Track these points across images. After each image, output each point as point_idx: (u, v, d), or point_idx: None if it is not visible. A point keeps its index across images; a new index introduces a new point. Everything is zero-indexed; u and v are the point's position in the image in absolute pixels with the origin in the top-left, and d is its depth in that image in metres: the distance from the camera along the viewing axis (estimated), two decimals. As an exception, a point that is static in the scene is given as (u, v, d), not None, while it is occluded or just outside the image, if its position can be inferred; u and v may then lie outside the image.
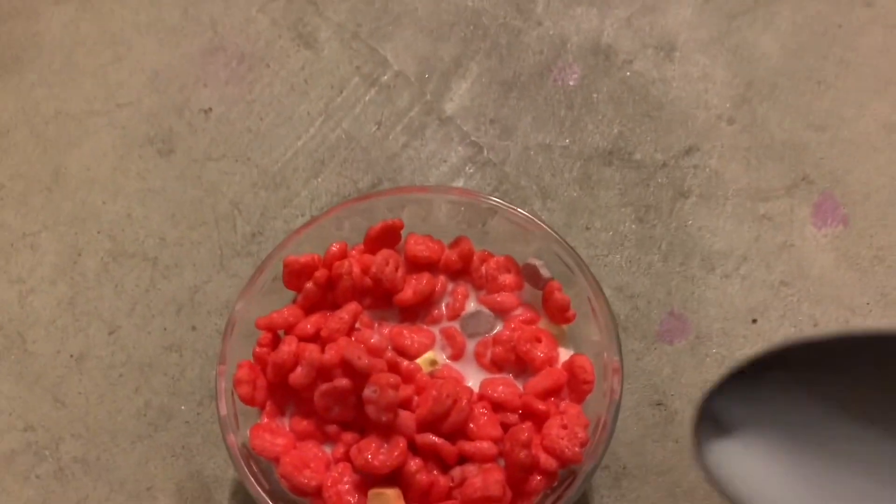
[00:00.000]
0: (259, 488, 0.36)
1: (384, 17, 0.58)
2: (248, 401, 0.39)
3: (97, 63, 0.58)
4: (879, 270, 0.49)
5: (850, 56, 0.56)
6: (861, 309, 0.48)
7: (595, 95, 0.55)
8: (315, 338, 0.41)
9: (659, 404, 0.46)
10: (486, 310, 0.42)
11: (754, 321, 0.48)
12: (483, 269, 0.42)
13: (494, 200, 0.43)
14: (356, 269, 0.41)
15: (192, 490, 0.44)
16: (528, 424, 0.36)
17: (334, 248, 0.41)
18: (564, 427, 0.36)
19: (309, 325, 0.40)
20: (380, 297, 0.42)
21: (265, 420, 0.39)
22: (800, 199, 0.51)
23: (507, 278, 0.42)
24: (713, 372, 0.46)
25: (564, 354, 0.41)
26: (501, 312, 0.42)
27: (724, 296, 0.48)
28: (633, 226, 0.50)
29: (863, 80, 0.55)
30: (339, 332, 0.40)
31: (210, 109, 0.55)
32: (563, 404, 0.38)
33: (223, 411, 0.38)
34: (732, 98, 0.55)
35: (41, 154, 0.54)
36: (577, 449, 0.36)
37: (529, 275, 0.42)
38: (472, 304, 0.42)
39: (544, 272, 0.42)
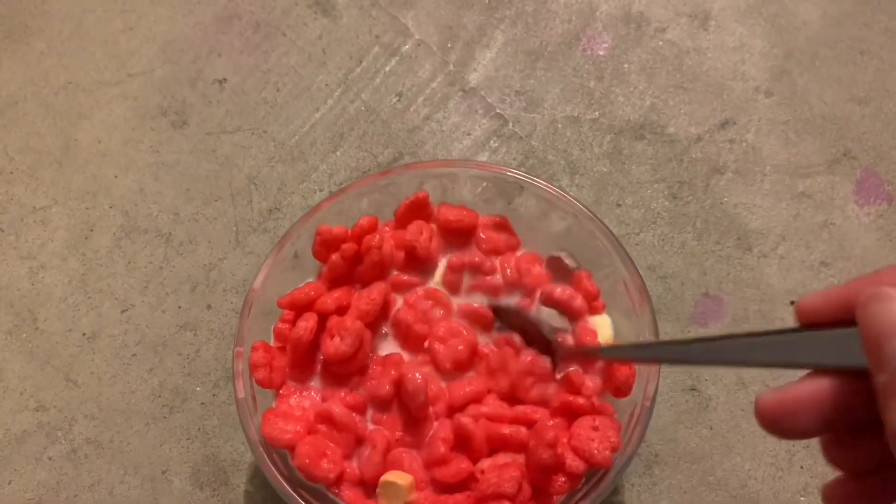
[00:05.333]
0: (277, 475, 0.34)
1: (405, -17, 0.56)
2: (266, 384, 0.37)
3: (107, 32, 0.56)
4: (925, 251, 0.47)
5: (896, 25, 0.53)
6: (906, 291, 0.46)
7: (626, 66, 0.53)
8: (337, 314, 0.39)
9: (692, 389, 0.44)
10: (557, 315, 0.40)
11: (792, 303, 0.46)
12: (512, 263, 0.40)
13: (521, 175, 0.41)
14: (387, 245, 0.39)
15: (208, 473, 0.43)
16: (556, 421, 0.35)
17: (363, 221, 0.40)
18: (596, 429, 0.34)
19: (330, 300, 0.39)
20: (411, 269, 0.40)
21: (279, 404, 0.37)
22: (841, 175, 0.49)
23: (536, 270, 0.40)
24: (750, 356, 0.44)
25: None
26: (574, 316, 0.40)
27: (761, 276, 0.46)
28: (666, 203, 0.48)
29: (909, 51, 0.52)
30: (369, 315, 0.38)
31: (224, 80, 0.53)
32: (597, 401, 0.36)
33: (240, 394, 0.37)
34: (770, 69, 0.52)
35: (51, 126, 0.52)
36: (607, 453, 0.34)
37: (555, 267, 0.40)
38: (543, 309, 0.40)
39: (570, 263, 0.40)
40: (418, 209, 0.41)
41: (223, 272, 0.48)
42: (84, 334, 0.46)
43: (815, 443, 0.41)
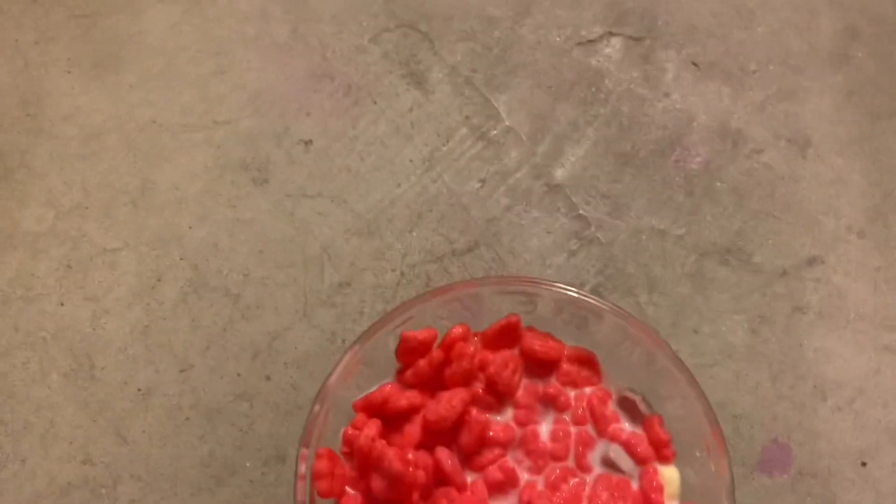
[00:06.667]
0: None
1: (501, 65, 0.55)
2: (326, 494, 0.36)
3: (198, 73, 0.55)
4: None
5: None
6: (983, 469, 0.44)
7: (718, 184, 0.51)
8: (409, 413, 0.39)
9: (751, 542, 0.42)
10: (626, 456, 0.39)
11: (864, 464, 0.44)
12: (584, 402, 0.39)
13: (609, 304, 0.40)
14: (478, 356, 0.38)
15: (248, 556, 0.42)
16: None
17: (456, 332, 0.39)
18: None
19: (404, 399, 0.38)
20: (489, 395, 0.39)
21: (341, 516, 0.37)
22: (928, 333, 0.47)
23: (607, 411, 0.39)
24: (814, 515, 0.43)
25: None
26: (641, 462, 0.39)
27: (833, 430, 0.45)
28: (745, 337, 0.47)
29: None
30: (447, 420, 0.37)
31: (311, 141, 0.53)
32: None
33: (300, 497, 0.36)
34: (866, 209, 0.51)
35: (131, 165, 0.52)
36: None
37: (626, 407, 0.39)
38: (610, 447, 0.39)
39: (643, 408, 0.39)
40: (508, 332, 0.40)
41: (287, 343, 0.47)
42: (139, 389, 0.46)
43: None
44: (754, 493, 0.43)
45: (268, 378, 0.46)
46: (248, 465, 0.44)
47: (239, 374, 0.46)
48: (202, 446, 0.45)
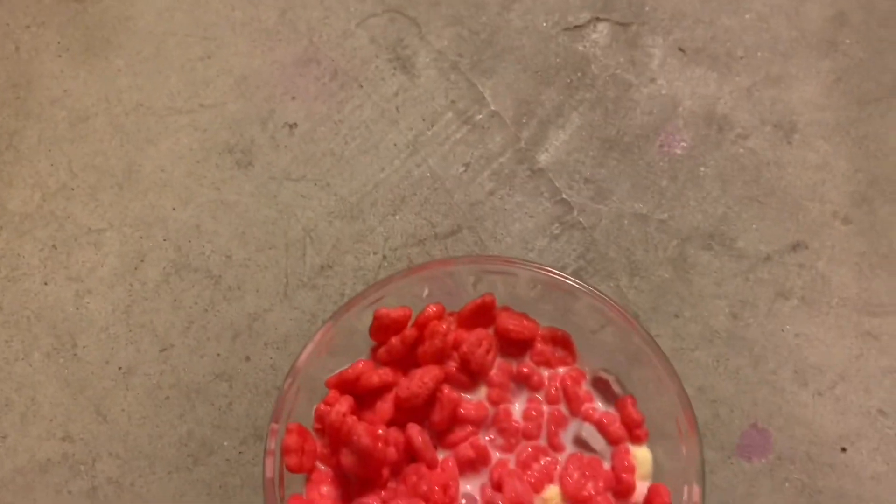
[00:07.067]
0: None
1: (488, 49, 0.55)
2: (296, 469, 0.36)
3: (186, 57, 0.55)
4: None
5: None
6: (964, 455, 0.44)
7: (702, 169, 0.51)
8: (381, 390, 0.39)
9: (727, 526, 0.42)
10: (599, 436, 0.39)
11: (844, 450, 0.44)
12: (557, 381, 0.39)
13: (582, 285, 0.40)
14: (451, 335, 0.38)
15: (224, 534, 0.42)
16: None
17: (430, 310, 0.39)
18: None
19: (376, 376, 0.38)
20: (462, 373, 0.39)
21: (309, 491, 0.37)
22: (912, 319, 0.47)
23: (581, 391, 0.39)
24: (791, 500, 0.43)
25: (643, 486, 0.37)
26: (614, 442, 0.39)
27: (813, 416, 0.45)
28: (726, 322, 0.47)
29: None
30: (418, 397, 0.37)
31: (295, 125, 0.53)
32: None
33: (269, 473, 0.36)
34: (851, 195, 0.50)
35: (117, 147, 0.52)
36: None
37: (600, 388, 0.39)
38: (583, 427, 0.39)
39: (616, 388, 0.39)
40: (483, 312, 0.40)
41: (267, 325, 0.47)
42: (120, 368, 0.46)
43: None
44: (732, 477, 0.43)
45: (247, 359, 0.46)
46: (225, 444, 0.44)
47: (219, 355, 0.47)
48: (181, 425, 0.45)
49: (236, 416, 0.45)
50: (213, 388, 0.46)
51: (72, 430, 0.45)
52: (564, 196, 0.51)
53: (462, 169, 0.52)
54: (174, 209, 0.51)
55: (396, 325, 0.39)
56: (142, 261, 0.49)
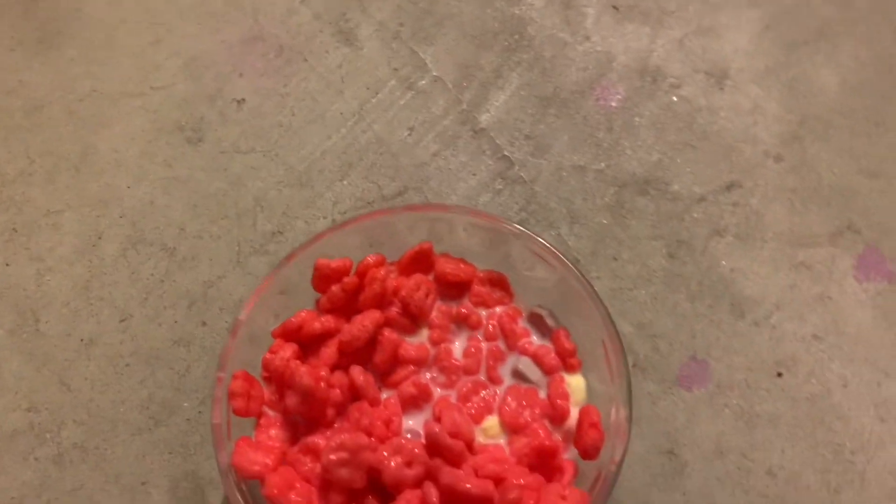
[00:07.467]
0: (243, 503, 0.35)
1: (427, 18, 0.57)
2: (242, 413, 0.38)
3: (136, 43, 0.57)
4: (921, 334, 0.46)
5: (915, 100, 0.52)
6: (896, 373, 0.45)
7: (637, 119, 0.53)
8: (324, 337, 0.40)
9: (670, 453, 0.44)
10: (535, 367, 0.40)
11: (779, 375, 0.45)
12: (494, 319, 0.41)
13: (517, 228, 0.42)
14: (391, 281, 0.40)
15: (187, 490, 0.44)
16: (525, 481, 0.35)
17: (370, 259, 0.40)
18: (564, 498, 0.35)
19: (318, 323, 0.40)
20: (404, 317, 0.41)
21: (258, 434, 0.38)
22: (843, 248, 0.48)
23: (517, 328, 0.41)
24: (730, 424, 0.44)
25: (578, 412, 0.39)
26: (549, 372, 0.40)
27: (750, 345, 0.46)
28: (663, 261, 0.48)
29: (925, 127, 0.52)
30: (359, 339, 0.39)
31: (243, 100, 0.55)
32: (566, 460, 0.37)
33: (216, 419, 0.38)
34: (782, 134, 0.52)
35: (72, 133, 0.54)
36: None
37: (536, 323, 0.41)
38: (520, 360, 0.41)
39: (550, 322, 0.40)
40: (421, 259, 0.41)
41: (221, 291, 0.49)
42: (82, 340, 0.48)
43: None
44: (674, 407, 0.45)
45: (203, 324, 0.48)
46: (185, 405, 0.46)
47: (176, 322, 0.48)
48: (142, 390, 0.46)
49: (194, 378, 0.47)
50: (171, 353, 0.47)
51: (36, 401, 0.46)
52: (506, 153, 0.52)
53: (407, 133, 0.53)
54: (129, 187, 0.52)
55: (337, 275, 0.41)
56: (99, 238, 0.51)
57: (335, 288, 0.40)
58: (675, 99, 0.53)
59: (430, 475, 0.36)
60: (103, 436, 0.45)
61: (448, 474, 0.35)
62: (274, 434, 0.39)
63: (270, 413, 0.39)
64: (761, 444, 0.44)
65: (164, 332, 0.48)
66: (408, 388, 0.40)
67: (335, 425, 0.39)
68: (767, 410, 0.44)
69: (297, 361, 0.38)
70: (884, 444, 0.43)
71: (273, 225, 0.51)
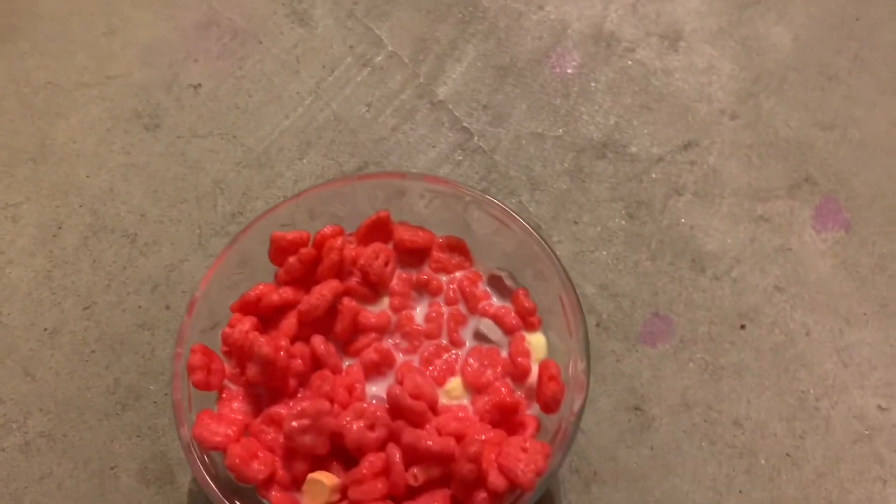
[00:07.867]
0: (206, 475, 0.35)
1: (382, -5, 0.57)
2: (202, 386, 0.38)
3: (90, 34, 0.57)
4: (880, 280, 0.47)
5: (866, 53, 0.53)
6: (857, 319, 0.46)
7: (593, 84, 0.53)
8: (284, 309, 0.40)
9: (636, 409, 0.44)
10: (496, 328, 0.40)
11: (743, 327, 0.46)
12: (454, 284, 0.41)
13: (475, 193, 0.42)
14: (348, 250, 0.40)
15: (156, 471, 0.44)
16: (487, 437, 0.35)
17: (327, 230, 0.40)
18: (525, 450, 0.35)
19: (276, 295, 0.40)
20: (364, 286, 0.41)
21: (220, 407, 0.38)
22: (801, 200, 0.49)
23: (478, 291, 0.41)
24: (695, 378, 0.44)
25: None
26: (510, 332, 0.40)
27: (712, 299, 0.46)
28: (623, 222, 0.49)
29: (878, 79, 0.52)
30: (318, 308, 0.39)
31: (199, 85, 0.54)
32: (528, 416, 0.37)
33: (177, 395, 0.38)
34: (737, 92, 0.52)
35: (28, 125, 0.54)
36: (531, 476, 0.34)
37: (497, 285, 0.41)
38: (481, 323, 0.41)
39: (510, 283, 0.40)
40: (379, 227, 0.41)
41: (184, 274, 0.49)
42: (46, 329, 0.48)
43: (754, 468, 0.41)
44: (638, 363, 0.45)
45: (167, 307, 0.48)
46: (151, 388, 0.46)
47: (140, 307, 0.48)
48: (108, 375, 0.46)
49: (160, 361, 0.46)
50: (136, 337, 0.47)
51: (1, 392, 0.46)
52: (465, 124, 0.52)
53: (365, 109, 0.53)
54: (88, 177, 0.52)
55: (293, 247, 0.41)
56: (60, 228, 0.50)
57: (292, 259, 0.40)
58: (630, 63, 0.53)
59: (392, 437, 0.36)
60: (70, 423, 0.45)
61: (409, 434, 0.35)
62: (236, 407, 0.39)
63: (232, 387, 0.39)
64: (727, 395, 0.44)
65: (129, 317, 0.48)
66: (370, 354, 0.40)
67: (298, 395, 0.39)
68: (732, 362, 0.45)
69: (256, 333, 0.38)
70: (847, 389, 0.44)
71: (233, 206, 0.50)
